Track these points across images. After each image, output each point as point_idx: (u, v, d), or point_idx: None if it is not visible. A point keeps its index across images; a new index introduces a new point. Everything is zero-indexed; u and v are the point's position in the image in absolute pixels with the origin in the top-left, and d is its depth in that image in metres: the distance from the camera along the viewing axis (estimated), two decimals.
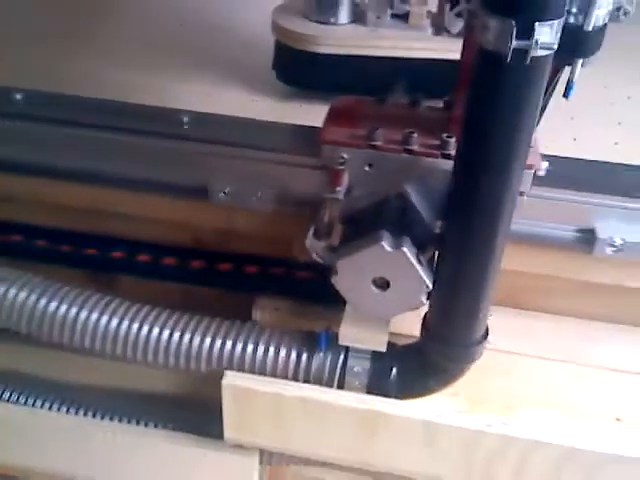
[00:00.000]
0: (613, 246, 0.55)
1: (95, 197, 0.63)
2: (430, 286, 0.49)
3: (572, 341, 0.62)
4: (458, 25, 0.67)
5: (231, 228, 0.63)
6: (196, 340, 0.55)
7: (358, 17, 0.74)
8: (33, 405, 0.64)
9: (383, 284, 0.49)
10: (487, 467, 0.53)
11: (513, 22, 0.36)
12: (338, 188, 0.50)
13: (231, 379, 0.55)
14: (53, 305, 0.57)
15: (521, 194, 0.49)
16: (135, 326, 0.56)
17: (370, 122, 0.52)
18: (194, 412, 0.63)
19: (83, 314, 0.57)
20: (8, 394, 0.64)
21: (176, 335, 0.56)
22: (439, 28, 0.71)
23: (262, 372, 0.55)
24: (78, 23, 0.92)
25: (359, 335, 0.53)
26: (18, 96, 0.63)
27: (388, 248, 0.47)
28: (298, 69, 0.75)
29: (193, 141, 0.59)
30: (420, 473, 0.56)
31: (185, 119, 0.61)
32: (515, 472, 0.53)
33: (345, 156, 0.52)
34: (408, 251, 0.47)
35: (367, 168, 0.52)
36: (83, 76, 0.75)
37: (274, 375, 0.55)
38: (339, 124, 0.53)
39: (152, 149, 0.60)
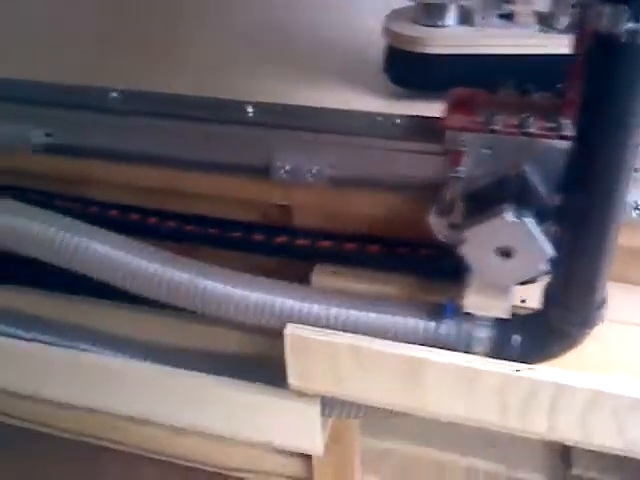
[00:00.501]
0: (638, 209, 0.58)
1: (175, 178, 0.72)
2: (550, 254, 0.53)
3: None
4: (564, 21, 0.71)
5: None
6: (334, 312, 0.60)
7: (465, 19, 0.79)
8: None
9: (507, 253, 0.54)
10: (522, 411, 0.56)
11: (626, 7, 0.41)
12: (459, 168, 0.56)
13: (292, 329, 0.61)
14: (143, 263, 0.64)
15: (636, 170, 0.53)
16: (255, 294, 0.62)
17: (486, 109, 0.57)
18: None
19: (176, 274, 0.63)
20: (98, 349, 0.74)
21: (307, 306, 0.61)
22: (544, 25, 0.75)
23: (392, 339, 0.59)
24: (185, 30, 1.01)
25: (483, 303, 0.58)
26: (114, 94, 0.73)
27: (511, 219, 0.52)
28: (409, 71, 0.80)
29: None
30: (462, 417, 0.59)
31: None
32: (548, 415, 0.56)
33: (465, 140, 0.57)
34: (529, 222, 0.52)
35: (486, 150, 0.57)
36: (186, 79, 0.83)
37: (404, 341, 0.59)
38: (458, 111, 0.58)
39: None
